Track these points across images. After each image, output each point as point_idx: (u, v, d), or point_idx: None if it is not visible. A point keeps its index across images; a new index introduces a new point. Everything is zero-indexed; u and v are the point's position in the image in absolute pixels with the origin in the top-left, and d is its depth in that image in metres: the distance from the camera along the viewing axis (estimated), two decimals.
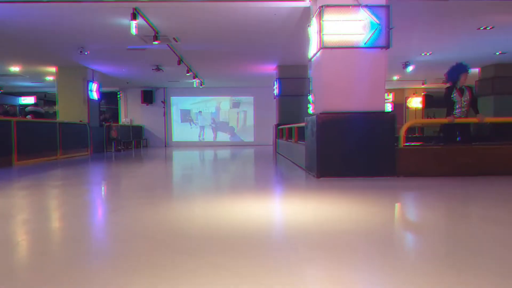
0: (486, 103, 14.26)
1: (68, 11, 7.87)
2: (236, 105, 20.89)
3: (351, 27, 6.13)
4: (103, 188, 6.20)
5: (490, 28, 9.49)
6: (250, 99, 20.69)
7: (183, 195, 5.33)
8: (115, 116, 20.62)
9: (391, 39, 6.22)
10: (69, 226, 3.49)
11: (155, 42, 9.23)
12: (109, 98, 21.27)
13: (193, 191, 5.67)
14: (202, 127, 21.11)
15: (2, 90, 19.54)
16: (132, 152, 15.56)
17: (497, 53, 12.52)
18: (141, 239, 2.92)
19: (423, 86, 20.05)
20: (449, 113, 6.75)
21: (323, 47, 6.17)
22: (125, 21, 8.14)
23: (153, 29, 8.82)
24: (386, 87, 6.56)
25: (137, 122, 20.53)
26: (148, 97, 20.41)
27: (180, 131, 20.98)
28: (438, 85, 19.06)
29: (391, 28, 6.20)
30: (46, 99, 22.77)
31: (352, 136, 6.16)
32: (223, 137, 21.11)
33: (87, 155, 12.87)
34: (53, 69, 14.07)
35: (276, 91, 14.75)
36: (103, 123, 15.58)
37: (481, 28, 9.51)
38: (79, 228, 3.38)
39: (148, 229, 3.23)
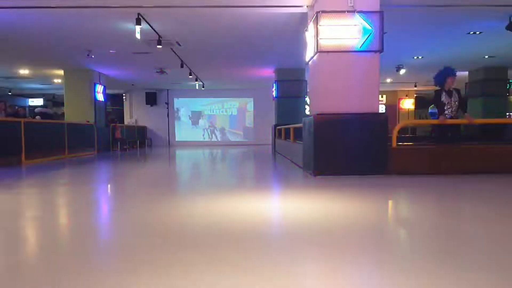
0: (475, 104, 14.30)
1: (75, 16, 7.89)
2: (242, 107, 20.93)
3: (346, 32, 6.15)
4: (109, 186, 6.21)
5: (479, 33, 9.52)
6: (250, 100, 20.69)
7: (185, 193, 5.34)
8: (121, 117, 20.63)
9: (383, 43, 6.24)
10: (77, 222, 3.50)
11: (159, 46, 9.25)
12: (115, 100, 21.27)
13: (195, 189, 5.68)
14: (205, 128, 21.13)
15: (10, 92, 19.52)
16: (137, 151, 15.55)
17: (486, 57, 12.55)
18: (147, 235, 2.94)
19: (415, 88, 20.08)
20: (440, 114, 6.76)
21: (319, 51, 6.19)
22: (130, 26, 8.15)
23: (157, 34, 8.83)
24: (380, 89, 6.58)
25: (141, 122, 20.53)
26: (151, 98, 20.41)
27: (182, 132, 20.99)
28: (430, 87, 19.12)
29: (384, 33, 6.23)
30: (54, 100, 22.77)
31: (347, 136, 6.17)
32: (224, 137, 21.11)
33: (93, 155, 12.87)
34: (61, 72, 14.09)
35: (274, 93, 14.77)
36: (110, 123, 15.59)
37: (471, 33, 9.55)
38: (86, 224, 3.39)
39: (151, 225, 3.24)
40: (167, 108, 20.63)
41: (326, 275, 2.08)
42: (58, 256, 2.47)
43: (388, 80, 17.71)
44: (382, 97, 20.70)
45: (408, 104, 21.62)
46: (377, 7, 6.16)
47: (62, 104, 16.12)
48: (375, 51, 6.19)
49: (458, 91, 6.86)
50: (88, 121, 13.57)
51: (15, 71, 14.39)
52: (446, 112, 6.69)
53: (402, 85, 19.52)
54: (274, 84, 14.78)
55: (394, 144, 6.37)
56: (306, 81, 13.85)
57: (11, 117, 10.36)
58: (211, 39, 9.84)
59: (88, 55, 11.04)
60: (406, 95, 21.53)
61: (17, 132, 9.04)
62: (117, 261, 2.35)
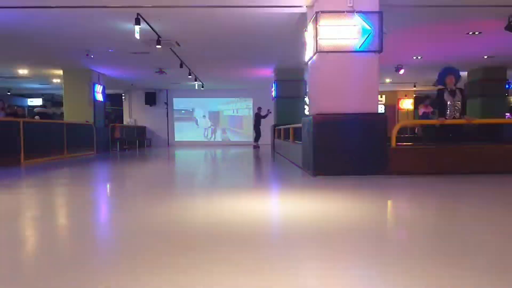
0: (474, 104, 14.30)
1: (74, 16, 7.87)
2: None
3: (345, 32, 6.14)
4: (108, 185, 6.20)
5: (478, 33, 9.52)
6: (249, 100, 20.68)
7: (185, 193, 5.32)
8: (120, 117, 20.61)
9: (383, 43, 6.23)
10: (76, 223, 3.49)
11: (158, 46, 9.23)
12: (114, 100, 21.23)
13: (194, 189, 5.68)
14: (206, 128, 21.13)
15: (9, 92, 19.50)
16: (136, 151, 15.55)
17: (485, 57, 12.56)
18: (147, 235, 2.93)
19: (414, 88, 20.08)
20: (441, 114, 6.72)
21: (318, 51, 6.18)
22: (129, 26, 8.14)
23: (156, 34, 8.82)
24: (379, 90, 6.57)
25: (140, 123, 20.51)
26: (151, 98, 20.38)
27: (184, 132, 20.98)
28: (429, 88, 19.13)
29: (383, 33, 6.22)
30: (53, 100, 22.74)
31: (347, 136, 6.17)
32: (224, 136, 21.10)
33: (93, 155, 12.86)
34: (60, 71, 14.05)
35: (273, 93, 14.75)
36: (109, 124, 15.58)
37: (470, 33, 9.54)
38: (86, 224, 3.39)
39: (151, 225, 3.23)
40: (166, 108, 20.61)
41: (326, 275, 2.07)
42: (57, 256, 2.46)
43: (387, 80, 17.70)
44: (381, 97, 20.70)
45: (407, 104, 21.62)
46: (376, 7, 6.16)
47: (61, 104, 16.11)
48: (374, 51, 6.19)
49: (462, 90, 6.80)
50: (87, 121, 13.55)
51: (14, 71, 14.36)
52: (448, 113, 6.64)
53: (402, 85, 19.51)
54: (273, 84, 14.76)
55: (393, 144, 6.37)
56: (306, 81, 13.83)
57: (10, 117, 10.34)
58: (210, 39, 9.83)
59: (87, 55, 11.02)
60: (406, 95, 21.53)
61: (16, 132, 9.03)
62: (116, 261, 2.35)
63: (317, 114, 6.24)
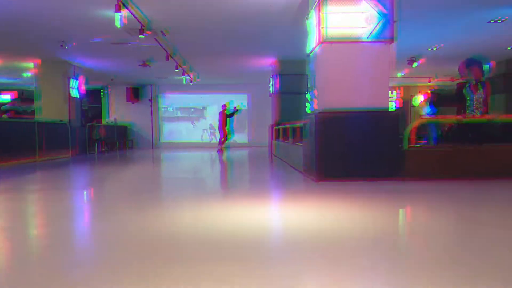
0: (498, 101, 14.33)
1: (48, 2, 7.84)
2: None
3: (352, 20, 6.14)
4: (84, 193, 6.17)
5: (502, 21, 9.52)
6: (244, 96, 20.65)
7: (176, 201, 5.30)
8: (99, 115, 20.51)
9: (396, 32, 6.23)
10: (50, 233, 3.47)
11: (141, 36, 9.21)
12: (92, 96, 21.14)
13: (187, 198, 5.67)
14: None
15: None
16: (117, 154, 15.51)
17: (509, 48, 12.58)
18: (134, 246, 2.92)
19: (430, 84, 20.09)
20: (460, 111, 6.68)
21: (322, 41, 6.18)
22: (109, 12, 8.11)
23: (140, 22, 8.80)
24: (392, 84, 6.56)
25: (122, 121, 20.41)
26: (134, 94, 20.30)
27: (169, 131, 20.95)
28: (446, 82, 19.13)
29: (394, 22, 6.21)
30: (24, 96, 22.63)
31: (354, 136, 6.16)
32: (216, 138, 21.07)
33: (68, 157, 12.82)
34: (31, 64, 13.97)
35: (272, 88, 14.73)
36: (87, 123, 15.53)
37: (492, 21, 9.55)
38: (61, 235, 3.37)
39: (136, 236, 3.22)
40: (151, 105, 20.52)
41: None
42: (33, 268, 2.45)
43: (399, 74, 17.70)
44: (394, 92, 20.65)
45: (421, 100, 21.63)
46: None
47: (32, 100, 16.02)
48: (385, 41, 6.19)
49: (487, 84, 6.71)
50: (61, 120, 13.47)
51: None
52: (469, 109, 6.61)
53: (415, 79, 19.50)
54: (271, 79, 14.74)
55: (407, 145, 6.36)
56: (307, 75, 13.83)
57: None
58: (204, 26, 9.80)
59: (61, 45, 10.97)
60: (420, 91, 21.55)
61: None
62: (103, 273, 2.34)
63: (321, 112, 6.24)
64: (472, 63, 6.63)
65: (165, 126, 20.97)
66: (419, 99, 21.58)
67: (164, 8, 8.47)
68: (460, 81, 6.88)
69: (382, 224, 3.61)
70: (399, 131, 6.43)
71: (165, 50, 11.78)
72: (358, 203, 4.58)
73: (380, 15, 6.08)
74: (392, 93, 20.25)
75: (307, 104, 14.33)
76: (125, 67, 15.43)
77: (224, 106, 15.57)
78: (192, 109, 21.11)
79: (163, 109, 20.98)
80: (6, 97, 21.37)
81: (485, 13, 8.99)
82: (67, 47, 11.20)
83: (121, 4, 7.56)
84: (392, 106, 18.32)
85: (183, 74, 15.82)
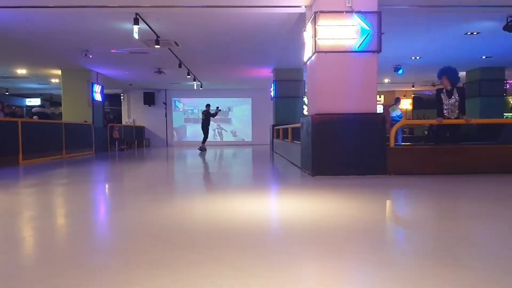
0: (473, 104, 14.33)
1: (72, 16, 7.87)
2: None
3: (344, 32, 6.15)
4: (106, 186, 6.19)
5: (476, 34, 9.54)
6: (248, 100, 20.68)
7: (185, 193, 5.32)
8: (119, 117, 20.60)
9: (381, 44, 6.24)
10: (74, 223, 3.48)
11: (157, 46, 9.23)
12: (112, 100, 21.23)
13: (193, 189, 5.68)
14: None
15: (7, 92, 19.49)
16: (135, 151, 15.54)
17: (483, 57, 12.58)
18: (146, 235, 2.92)
19: (413, 89, 20.11)
20: (439, 114, 6.71)
21: (317, 51, 6.19)
22: (128, 25, 8.14)
23: (155, 34, 8.82)
24: (378, 90, 6.57)
25: (139, 122, 20.49)
26: (149, 98, 20.36)
27: (188, 132, 20.95)
28: (427, 88, 19.17)
29: (382, 34, 6.23)
30: (52, 100, 22.71)
31: (345, 137, 6.17)
32: (222, 137, 21.09)
33: (91, 155, 12.85)
34: (58, 71, 14.05)
35: (272, 93, 14.77)
36: (108, 123, 15.57)
37: (468, 34, 9.56)
38: (84, 225, 3.38)
39: (149, 225, 3.23)
40: (165, 108, 20.58)
41: (324, 275, 2.07)
42: (56, 255, 2.46)
43: (386, 80, 17.74)
44: (380, 97, 20.74)
45: (406, 104, 21.64)
46: (375, 8, 6.17)
47: (59, 104, 16.08)
48: (373, 52, 6.20)
49: (460, 90, 6.74)
50: (85, 121, 13.54)
51: (12, 70, 14.35)
52: (445, 113, 6.64)
53: (400, 85, 19.55)
54: (272, 84, 14.78)
55: (392, 144, 6.38)
56: (304, 81, 13.85)
57: (8, 117, 10.33)
58: (209, 39, 9.83)
59: (85, 55, 11.01)
60: (404, 95, 21.56)
61: (14, 133, 9.02)
62: (116, 261, 2.34)
63: (316, 114, 6.24)
64: (441, 73, 6.68)
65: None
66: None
67: (172, 23, 8.49)
68: (438, 87, 6.93)
69: (367, 212, 3.61)
70: (385, 132, 6.44)
71: (178, 59, 11.81)
72: (349, 194, 4.58)
73: (368, 28, 6.08)
74: (379, 97, 20.29)
75: (304, 106, 14.37)
76: (142, 74, 15.46)
77: (208, 105, 14.66)
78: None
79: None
80: (36, 101, 21.50)
81: (462, 27, 9.01)
82: (90, 57, 11.24)
83: (137, 18, 7.59)
84: (379, 109, 18.34)
85: (194, 80, 15.85)
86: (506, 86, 15.26)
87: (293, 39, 9.13)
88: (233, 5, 7.25)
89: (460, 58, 12.30)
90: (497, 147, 6.67)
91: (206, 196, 4.76)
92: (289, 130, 9.57)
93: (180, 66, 12.31)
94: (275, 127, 13.51)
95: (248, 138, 20.78)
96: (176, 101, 20.69)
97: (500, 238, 2.81)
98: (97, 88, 14.30)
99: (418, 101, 22.56)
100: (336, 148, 6.18)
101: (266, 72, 14.95)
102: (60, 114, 14.53)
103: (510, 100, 21.35)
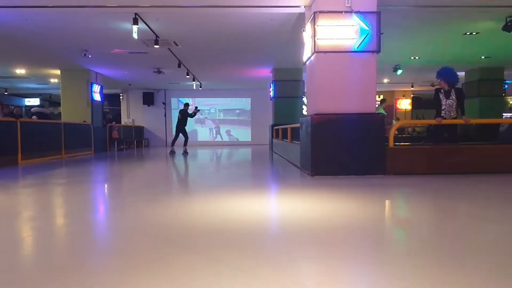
0: (472, 105, 14.35)
1: (71, 16, 7.86)
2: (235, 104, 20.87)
3: (343, 32, 6.15)
4: (105, 186, 6.19)
5: (475, 34, 9.55)
6: (248, 100, 20.67)
7: (184, 193, 5.32)
8: (118, 117, 20.57)
9: (381, 44, 6.25)
10: (73, 223, 3.48)
11: (156, 46, 9.23)
12: (112, 100, 21.21)
13: (192, 188, 5.68)
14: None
15: (6, 92, 19.47)
16: (134, 151, 15.52)
17: (482, 57, 12.59)
18: (146, 234, 2.92)
19: (412, 88, 20.11)
20: (437, 114, 6.73)
21: (316, 51, 6.19)
22: (127, 25, 8.13)
23: (154, 34, 8.82)
24: (377, 90, 6.57)
25: (138, 122, 20.47)
26: (149, 98, 20.34)
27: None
28: (426, 88, 19.17)
29: (381, 34, 6.23)
30: (51, 100, 22.69)
31: (345, 136, 6.18)
32: (222, 136, 21.09)
33: (90, 155, 12.84)
34: (57, 71, 14.04)
35: (271, 93, 14.77)
36: (107, 123, 15.55)
37: (467, 34, 9.57)
38: (83, 225, 3.38)
39: (148, 224, 3.23)
40: (164, 108, 20.55)
41: (324, 275, 2.08)
42: (55, 255, 2.46)
43: (385, 81, 17.75)
44: (379, 97, 20.73)
45: (405, 104, 21.67)
46: (374, 8, 6.17)
47: (58, 104, 16.06)
48: (372, 52, 6.20)
49: (458, 91, 6.78)
50: (85, 121, 13.53)
51: (12, 70, 14.33)
52: (443, 113, 6.67)
53: (399, 85, 19.56)
54: (271, 84, 14.79)
55: (391, 144, 6.38)
56: (304, 81, 13.85)
57: (7, 117, 10.32)
58: (208, 39, 9.82)
59: (84, 55, 11.00)
60: (403, 95, 21.58)
61: (13, 132, 9.02)
62: (115, 260, 2.34)
63: (315, 114, 6.24)
64: (438, 76, 6.71)
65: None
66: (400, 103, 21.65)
67: (172, 23, 8.48)
68: (437, 87, 6.94)
69: (366, 212, 3.62)
70: (384, 132, 6.44)
71: (177, 59, 11.80)
72: (348, 194, 4.59)
73: (367, 28, 6.09)
74: (379, 97, 20.31)
75: (304, 106, 14.38)
76: (141, 74, 15.45)
77: (186, 105, 13.06)
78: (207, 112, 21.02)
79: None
80: (35, 101, 21.48)
81: (461, 27, 9.02)
82: (89, 57, 11.24)
83: (137, 18, 7.59)
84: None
85: (193, 80, 15.85)
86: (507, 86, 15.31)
87: (293, 39, 9.14)
88: (233, 5, 7.25)
89: (459, 58, 12.31)
90: (496, 147, 6.67)
91: (205, 196, 4.75)
92: (289, 130, 9.57)
93: (179, 66, 12.31)
94: (275, 127, 13.51)
95: (247, 138, 20.77)
96: (179, 100, 20.62)
97: (500, 238, 2.82)
98: (96, 88, 14.29)
99: (417, 101, 22.56)
100: (335, 148, 6.18)
101: (266, 72, 14.95)
102: (59, 114, 14.52)
103: (509, 100, 21.37)
